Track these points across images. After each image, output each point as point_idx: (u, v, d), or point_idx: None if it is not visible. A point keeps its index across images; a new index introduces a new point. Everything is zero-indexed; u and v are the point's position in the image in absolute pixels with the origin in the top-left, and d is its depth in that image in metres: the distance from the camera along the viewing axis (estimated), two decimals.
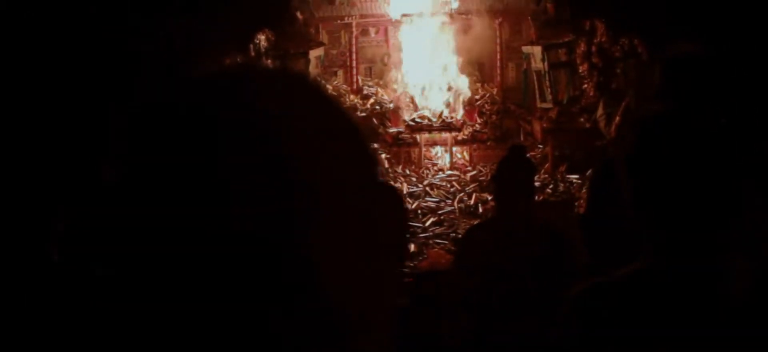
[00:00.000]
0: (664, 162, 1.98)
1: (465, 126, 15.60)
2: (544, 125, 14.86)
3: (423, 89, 15.83)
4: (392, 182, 13.92)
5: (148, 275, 0.88)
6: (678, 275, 2.00)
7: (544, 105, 15.10)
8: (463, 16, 16.10)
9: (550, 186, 13.39)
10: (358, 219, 0.93)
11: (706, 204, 1.96)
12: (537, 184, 13.19)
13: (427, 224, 12.48)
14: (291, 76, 0.97)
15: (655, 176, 2.00)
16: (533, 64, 15.32)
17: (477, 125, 15.57)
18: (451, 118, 15.48)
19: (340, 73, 16.44)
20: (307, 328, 0.88)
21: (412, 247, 11.02)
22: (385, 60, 16.39)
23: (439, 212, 12.98)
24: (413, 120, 15.46)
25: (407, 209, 11.81)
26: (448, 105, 15.75)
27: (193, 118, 0.89)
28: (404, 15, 16.01)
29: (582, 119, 14.62)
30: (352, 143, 0.96)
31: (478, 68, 16.43)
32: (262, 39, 15.68)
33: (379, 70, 16.53)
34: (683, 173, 1.96)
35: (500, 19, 16.27)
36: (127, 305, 0.89)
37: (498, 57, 16.31)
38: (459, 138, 15.48)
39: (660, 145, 2.01)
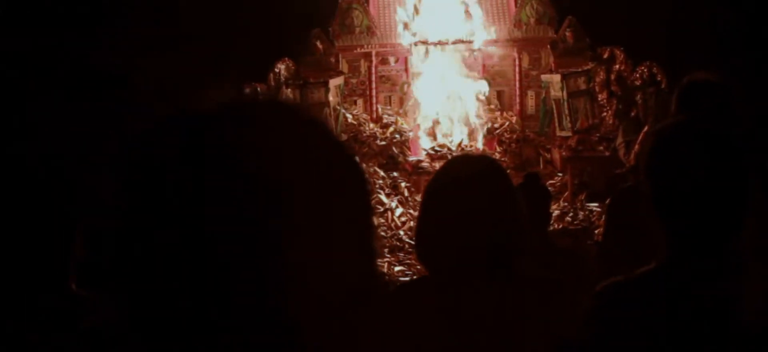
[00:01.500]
0: (681, 164, 2.07)
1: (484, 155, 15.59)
2: (564, 154, 14.84)
3: (443, 118, 15.85)
4: (412, 210, 13.93)
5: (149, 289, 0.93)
6: (692, 272, 2.07)
7: (564, 133, 15.08)
8: (483, 45, 16.13)
9: (570, 214, 13.36)
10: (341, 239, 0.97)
11: (719, 205, 2.04)
12: (557, 212, 13.19)
13: None
14: (281, 108, 1.02)
15: (672, 177, 2.08)
16: (552, 93, 15.32)
17: (496, 154, 15.56)
18: (471, 146, 15.48)
19: (360, 101, 16.47)
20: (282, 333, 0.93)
21: None
22: (405, 89, 16.42)
23: None
24: (433, 149, 15.46)
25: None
26: (467, 134, 15.75)
27: (185, 148, 0.93)
28: (423, 43, 16.04)
29: (601, 147, 14.60)
30: (343, 176, 1.01)
31: (497, 97, 16.44)
32: (282, 68, 15.76)
33: (398, 98, 16.56)
34: (698, 175, 2.05)
35: (519, 48, 16.29)
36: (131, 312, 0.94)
37: (517, 85, 16.31)
38: None
39: (678, 148, 2.09)
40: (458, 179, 2.75)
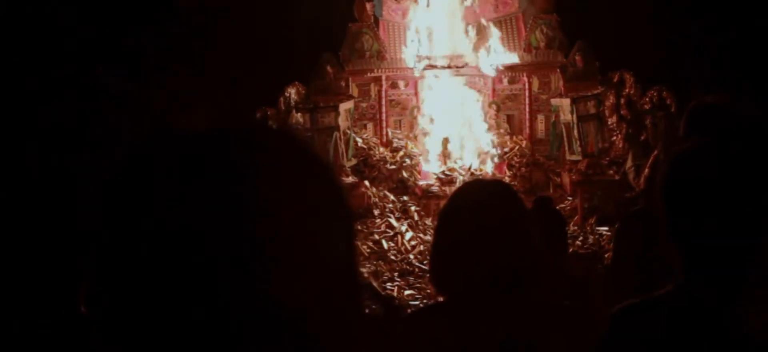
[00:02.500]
0: (697, 188, 2.08)
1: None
2: (574, 177, 14.83)
3: (452, 142, 15.86)
4: (423, 234, 13.92)
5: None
6: (709, 295, 2.08)
7: (573, 157, 15.08)
8: (492, 69, 16.16)
9: (580, 238, 13.33)
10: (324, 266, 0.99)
11: (737, 228, 2.05)
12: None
13: None
14: (268, 132, 1.04)
15: (688, 200, 2.09)
16: (562, 117, 15.33)
17: (506, 178, 15.56)
18: (481, 170, 15.47)
19: (370, 125, 16.51)
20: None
21: None
22: (415, 113, 16.45)
23: None
24: (443, 172, 15.46)
25: None
26: (477, 157, 15.76)
27: (171, 168, 0.96)
28: (431, 67, 16.08)
29: (611, 171, 14.60)
30: (327, 201, 1.02)
31: (507, 121, 16.46)
32: (292, 92, 15.80)
33: (408, 122, 16.60)
34: (715, 198, 2.05)
35: (529, 72, 16.33)
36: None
37: (527, 109, 16.34)
38: None
39: (694, 171, 2.10)
40: (472, 204, 2.75)
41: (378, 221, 14.33)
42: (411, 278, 12.75)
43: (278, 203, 0.97)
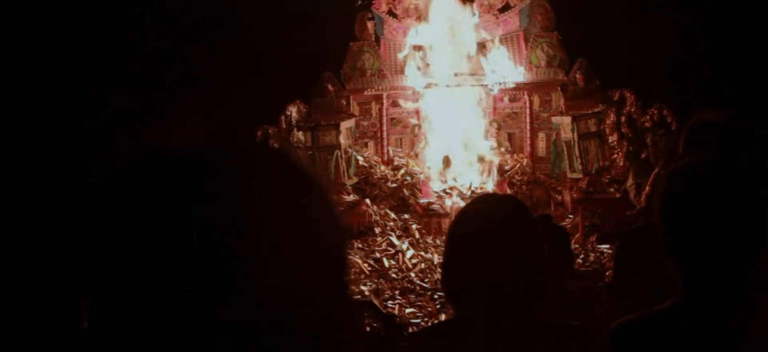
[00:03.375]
0: (695, 205, 2.09)
1: None
2: (575, 195, 14.82)
3: (453, 160, 15.85)
4: (424, 252, 13.91)
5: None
6: (709, 310, 2.09)
7: (574, 175, 15.06)
8: (493, 87, 16.18)
9: (581, 256, 13.32)
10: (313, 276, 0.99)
11: (735, 244, 2.06)
12: None
13: None
14: (258, 150, 1.04)
15: (686, 218, 2.10)
16: (563, 135, 15.31)
17: None
18: (482, 189, 15.46)
19: (371, 144, 16.51)
20: None
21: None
22: (416, 131, 16.46)
23: None
24: (444, 191, 15.45)
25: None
26: (479, 175, 15.76)
27: (162, 186, 0.96)
28: (432, 85, 16.10)
29: (612, 189, 14.60)
30: (316, 214, 1.02)
31: (507, 139, 16.47)
32: (293, 111, 15.82)
33: (409, 141, 16.60)
34: (712, 216, 2.07)
35: (530, 90, 16.34)
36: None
37: (528, 127, 16.35)
38: None
39: (691, 189, 2.11)
40: (484, 219, 2.74)
41: (379, 239, 14.32)
42: (412, 296, 12.73)
43: (266, 220, 0.97)
